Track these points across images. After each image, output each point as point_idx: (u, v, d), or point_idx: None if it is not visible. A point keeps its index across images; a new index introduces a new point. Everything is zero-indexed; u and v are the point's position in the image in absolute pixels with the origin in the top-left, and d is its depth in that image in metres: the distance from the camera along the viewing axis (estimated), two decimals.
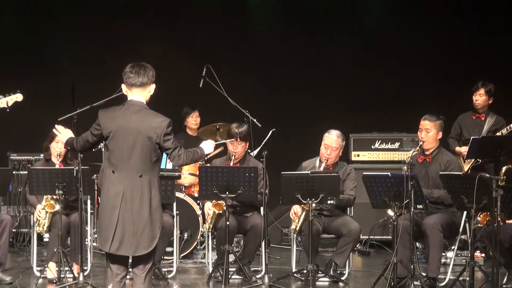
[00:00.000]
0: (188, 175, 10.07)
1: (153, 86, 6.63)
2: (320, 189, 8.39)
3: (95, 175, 8.96)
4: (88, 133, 6.67)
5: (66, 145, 6.96)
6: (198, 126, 10.87)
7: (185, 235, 9.77)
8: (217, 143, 7.53)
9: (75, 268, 8.60)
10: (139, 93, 6.59)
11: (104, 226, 6.52)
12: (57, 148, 8.87)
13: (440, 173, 8.32)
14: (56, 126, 6.97)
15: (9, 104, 8.46)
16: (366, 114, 11.63)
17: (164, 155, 6.96)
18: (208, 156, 10.19)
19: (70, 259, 8.66)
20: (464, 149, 9.95)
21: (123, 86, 6.64)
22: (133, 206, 6.48)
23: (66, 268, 8.50)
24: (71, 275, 8.51)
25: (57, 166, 8.73)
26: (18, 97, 8.54)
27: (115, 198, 6.49)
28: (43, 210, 8.67)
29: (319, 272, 8.73)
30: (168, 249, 9.17)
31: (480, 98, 10.19)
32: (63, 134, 6.94)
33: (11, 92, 8.50)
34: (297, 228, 8.66)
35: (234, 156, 8.90)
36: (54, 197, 8.53)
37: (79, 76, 11.44)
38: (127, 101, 6.61)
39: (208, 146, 6.87)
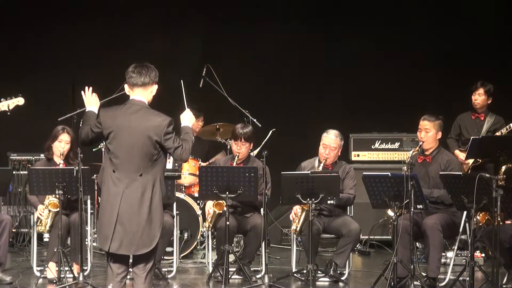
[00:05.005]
0: (188, 175, 10.07)
1: (155, 87, 6.63)
2: (320, 189, 8.39)
3: (95, 175, 8.96)
4: (89, 129, 6.66)
5: (83, 116, 6.84)
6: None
7: (185, 235, 9.78)
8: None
9: (75, 268, 8.60)
10: (140, 93, 6.59)
11: (104, 225, 6.53)
12: (60, 147, 8.87)
13: (440, 173, 8.33)
14: (86, 88, 6.88)
15: (10, 108, 8.49)
16: (366, 114, 11.64)
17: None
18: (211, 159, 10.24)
19: (70, 259, 8.66)
20: (462, 155, 9.94)
21: (125, 86, 6.65)
22: (133, 206, 6.48)
23: (66, 268, 8.50)
24: (71, 275, 8.51)
25: (60, 166, 8.72)
26: (20, 100, 8.57)
27: (115, 197, 6.49)
28: (46, 209, 8.67)
29: (319, 272, 8.74)
30: (168, 249, 9.17)
31: (479, 97, 10.20)
32: (87, 100, 6.85)
33: (12, 96, 8.53)
34: (298, 229, 8.67)
35: (238, 157, 8.91)
36: (57, 196, 8.53)
37: (79, 76, 11.46)
38: (129, 101, 6.61)
39: (188, 118, 6.81)
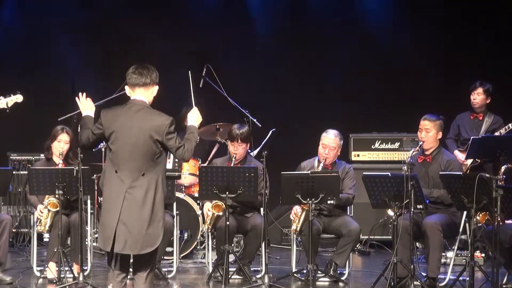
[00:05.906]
0: (188, 175, 10.07)
1: (156, 88, 6.64)
2: (320, 189, 8.39)
3: (95, 175, 8.98)
4: (89, 132, 6.66)
5: (80, 122, 6.89)
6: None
7: (185, 235, 9.78)
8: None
9: (75, 268, 8.60)
10: (141, 93, 6.59)
11: (106, 226, 6.51)
12: (59, 147, 8.87)
13: (440, 173, 8.33)
14: (79, 94, 6.92)
15: (9, 105, 8.49)
16: (366, 114, 11.64)
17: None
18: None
19: (70, 259, 8.67)
20: (461, 156, 9.95)
21: (126, 87, 6.64)
22: (135, 205, 6.48)
23: (66, 268, 8.51)
24: (71, 275, 8.52)
25: (60, 166, 8.72)
26: (18, 98, 8.57)
27: (117, 197, 6.49)
28: (46, 209, 8.67)
29: (319, 272, 8.74)
30: (168, 249, 9.17)
31: (478, 97, 10.21)
32: (82, 105, 6.90)
33: (11, 93, 8.53)
34: (298, 229, 8.67)
35: (235, 157, 8.90)
36: (57, 196, 8.53)
37: (79, 76, 11.46)
38: (130, 101, 6.62)
39: (195, 118, 6.79)
